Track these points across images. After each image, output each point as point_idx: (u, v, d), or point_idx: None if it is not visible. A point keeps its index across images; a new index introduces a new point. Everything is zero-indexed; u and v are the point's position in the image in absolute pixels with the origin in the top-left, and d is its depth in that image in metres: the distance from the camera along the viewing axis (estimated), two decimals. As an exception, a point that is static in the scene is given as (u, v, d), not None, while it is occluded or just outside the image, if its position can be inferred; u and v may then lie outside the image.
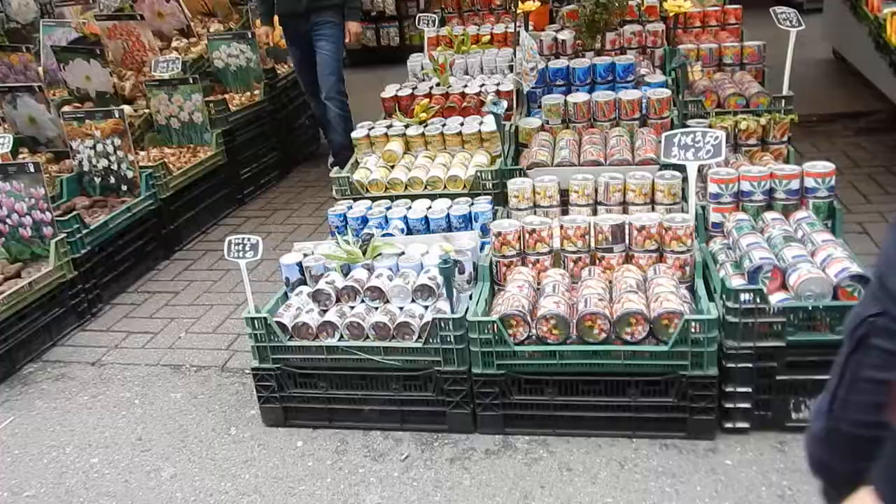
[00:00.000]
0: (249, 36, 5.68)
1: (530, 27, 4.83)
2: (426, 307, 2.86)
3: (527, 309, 2.65)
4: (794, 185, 2.94)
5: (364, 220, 3.45)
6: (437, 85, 4.31)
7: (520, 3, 4.11)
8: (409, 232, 3.40)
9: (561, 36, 4.58)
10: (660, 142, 3.16)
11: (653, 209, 3.21)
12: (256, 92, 5.73)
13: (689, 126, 3.71)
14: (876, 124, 5.78)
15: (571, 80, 4.10)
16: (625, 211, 3.24)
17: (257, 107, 5.65)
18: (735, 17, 4.96)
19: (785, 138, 3.62)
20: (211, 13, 6.63)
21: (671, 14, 4.08)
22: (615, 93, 3.72)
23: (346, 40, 5.44)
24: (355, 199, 3.65)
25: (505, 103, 3.42)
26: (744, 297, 2.46)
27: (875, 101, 5.90)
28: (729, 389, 2.53)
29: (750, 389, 2.52)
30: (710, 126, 3.66)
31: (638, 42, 4.52)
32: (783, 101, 3.78)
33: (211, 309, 4.11)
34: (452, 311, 2.70)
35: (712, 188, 2.99)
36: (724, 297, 2.51)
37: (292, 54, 5.69)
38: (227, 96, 5.63)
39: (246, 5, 6.59)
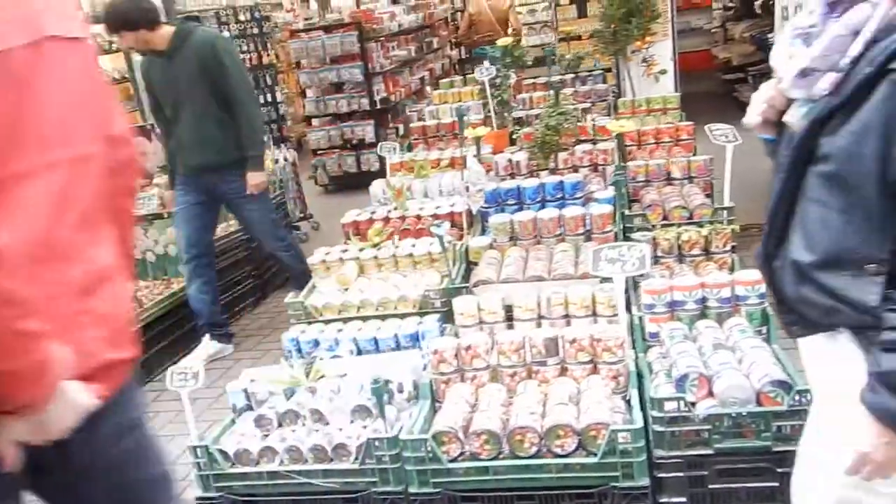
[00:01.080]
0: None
1: (489, 150, 5.06)
2: (364, 427, 2.86)
3: (459, 425, 2.65)
4: (726, 293, 2.99)
5: (316, 343, 3.50)
6: (395, 209, 4.48)
7: (470, 127, 4.33)
8: (359, 352, 3.45)
9: (515, 157, 4.79)
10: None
11: (595, 321, 3.26)
12: (232, 221, 5.93)
13: (633, 240, 3.83)
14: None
15: (522, 199, 4.25)
16: (568, 324, 3.29)
17: (233, 236, 5.84)
18: (687, 133, 5.18)
19: (728, 247, 3.71)
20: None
21: (615, 133, 4.28)
22: (559, 210, 3.85)
23: (247, 192, 4.85)
24: (309, 323, 3.72)
25: (447, 225, 3.54)
26: (669, 405, 2.46)
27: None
28: (663, 500, 2.48)
29: (685, 499, 2.47)
30: (655, 239, 3.77)
31: (590, 160, 4.72)
32: (724, 211, 3.90)
33: (173, 440, 4.09)
34: (386, 431, 2.70)
35: (646, 299, 3.05)
36: (650, 406, 2.51)
37: (181, 202, 4.88)
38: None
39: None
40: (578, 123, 5.05)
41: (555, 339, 2.88)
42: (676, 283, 3.04)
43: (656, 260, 3.80)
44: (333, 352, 3.40)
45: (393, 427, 2.74)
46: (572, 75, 6.66)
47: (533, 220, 3.82)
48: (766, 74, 8.00)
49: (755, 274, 3.00)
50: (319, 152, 9.36)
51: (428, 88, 7.06)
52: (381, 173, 9.27)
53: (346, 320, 3.68)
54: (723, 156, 4.02)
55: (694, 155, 5.05)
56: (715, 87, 11.91)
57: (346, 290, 3.85)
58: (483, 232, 4.26)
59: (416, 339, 3.41)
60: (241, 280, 5.96)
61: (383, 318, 3.62)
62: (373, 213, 4.51)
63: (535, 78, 6.81)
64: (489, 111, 5.41)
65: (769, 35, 8.00)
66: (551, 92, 4.81)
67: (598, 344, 2.80)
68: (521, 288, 3.41)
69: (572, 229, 3.77)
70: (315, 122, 9.43)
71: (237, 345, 5.33)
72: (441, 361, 2.95)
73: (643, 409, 2.62)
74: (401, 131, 9.76)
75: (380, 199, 4.89)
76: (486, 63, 5.61)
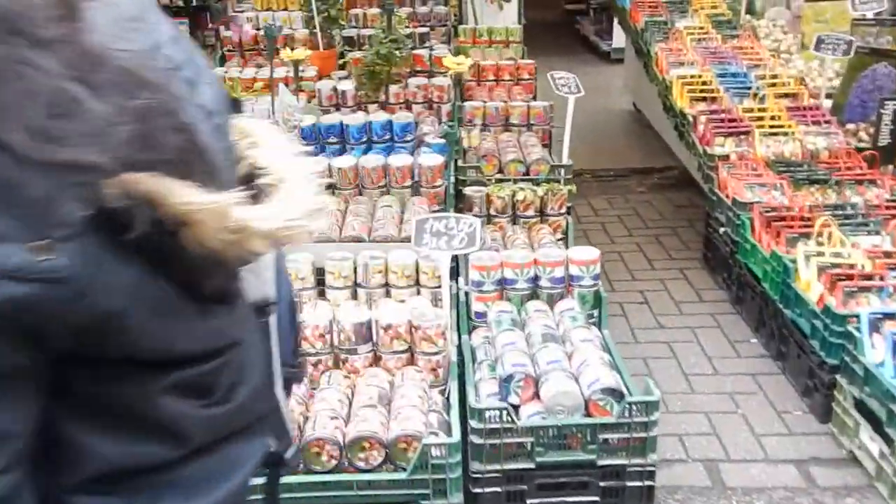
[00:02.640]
0: None
1: (313, 72, 4.43)
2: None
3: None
4: (559, 272, 2.71)
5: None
6: (196, 138, 3.78)
7: (287, 49, 3.69)
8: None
9: (341, 86, 4.21)
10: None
11: (418, 292, 2.89)
12: None
13: (465, 193, 3.46)
14: (666, 181, 5.91)
15: (346, 139, 3.72)
16: (387, 294, 2.89)
17: None
18: (528, 73, 4.83)
19: (564, 209, 3.45)
20: None
21: (451, 71, 3.82)
22: (385, 157, 3.38)
23: None
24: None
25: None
26: (490, 414, 2.15)
27: (667, 158, 6.05)
28: (477, 519, 2.21)
29: (500, 518, 2.21)
30: (489, 196, 3.43)
31: (424, 96, 4.24)
32: (562, 170, 3.62)
33: None
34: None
35: (474, 275, 2.70)
36: (470, 415, 2.18)
37: None
38: None
39: None
40: (414, 52, 4.53)
41: (367, 324, 2.46)
42: (508, 258, 2.70)
43: (489, 219, 3.48)
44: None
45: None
46: (412, -8, 6.07)
47: (354, 168, 3.32)
48: (607, 9, 7.74)
49: (590, 252, 2.74)
50: (123, 49, 8.11)
51: (246, -7, 6.17)
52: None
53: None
54: (563, 103, 3.72)
55: (535, 98, 4.75)
56: (556, 17, 11.73)
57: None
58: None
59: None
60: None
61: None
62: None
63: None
64: (314, 27, 4.74)
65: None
66: (387, 12, 4.23)
67: (417, 332, 2.43)
68: (335, 250, 2.95)
69: (399, 181, 3.32)
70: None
71: None
72: (229, 346, 2.44)
73: (462, 412, 2.29)
74: (221, 33, 8.73)
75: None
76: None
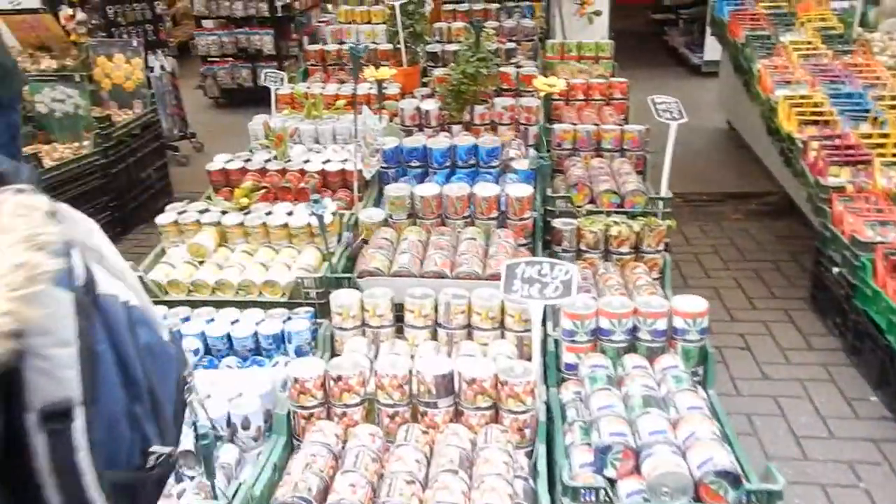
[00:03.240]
0: (78, 78, 4.91)
1: (396, 88, 4.27)
2: (191, 477, 2.19)
3: (313, 493, 2.02)
4: (662, 324, 2.44)
5: (151, 336, 2.76)
6: (275, 158, 3.68)
7: (371, 67, 3.54)
8: (207, 351, 2.74)
9: (425, 105, 4.04)
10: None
11: (502, 335, 2.68)
12: (86, 143, 4.95)
13: (554, 226, 3.22)
14: (766, 207, 5.52)
15: (429, 162, 3.55)
16: (469, 336, 2.69)
17: (84, 160, 4.86)
18: (621, 92, 4.56)
19: (661, 247, 3.17)
20: (45, 47, 5.80)
21: (542, 93, 3.59)
22: (471, 186, 3.17)
23: None
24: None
25: (329, 205, 2.80)
26: (586, 493, 1.91)
27: (766, 182, 5.65)
28: None
29: None
30: (580, 229, 3.18)
31: (511, 117, 4.03)
32: (661, 202, 3.33)
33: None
34: (214, 497, 2.04)
35: (566, 323, 2.46)
36: (562, 492, 1.95)
37: None
38: (48, 147, 4.83)
39: (85, 41, 5.80)
40: (500, 69, 4.32)
41: (449, 377, 2.26)
42: (605, 306, 2.45)
43: (578, 254, 3.24)
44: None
45: (225, 488, 2.08)
46: (497, 5, 5.86)
47: (438, 198, 3.13)
48: (699, 19, 7.35)
49: (697, 303, 2.46)
50: (210, 60, 8.22)
51: (329, 5, 6.08)
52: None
53: (195, 304, 2.94)
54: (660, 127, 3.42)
55: (626, 119, 4.47)
56: (641, 27, 11.30)
57: (201, 262, 3.09)
58: (379, 198, 3.54)
59: (280, 342, 2.73)
60: (94, 213, 5.02)
61: (243, 306, 2.91)
62: (247, 160, 3.70)
63: (455, 4, 5.96)
64: (398, 42, 4.59)
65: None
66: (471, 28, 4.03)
67: (504, 388, 2.21)
68: (416, 287, 2.76)
69: (485, 212, 3.11)
70: (206, 24, 8.23)
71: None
72: (302, 393, 2.29)
73: (550, 477, 2.07)
74: (304, 43, 8.74)
75: (259, 139, 4.06)
76: (401, -18, 4.75)
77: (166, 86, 6.49)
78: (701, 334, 2.43)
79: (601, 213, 3.33)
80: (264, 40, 8.00)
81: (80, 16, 7.32)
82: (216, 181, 3.63)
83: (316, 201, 2.70)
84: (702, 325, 2.42)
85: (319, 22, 9.12)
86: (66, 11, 6.12)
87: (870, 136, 4.16)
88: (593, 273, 3.10)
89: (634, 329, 2.47)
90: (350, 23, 5.93)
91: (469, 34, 3.95)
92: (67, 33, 5.98)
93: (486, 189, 3.12)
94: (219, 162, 3.65)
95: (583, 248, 3.21)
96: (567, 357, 2.49)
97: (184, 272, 3.00)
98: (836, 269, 3.60)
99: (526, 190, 3.10)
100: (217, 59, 8.23)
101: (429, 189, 3.14)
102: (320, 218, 2.74)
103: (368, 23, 5.86)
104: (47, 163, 4.62)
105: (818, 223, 3.88)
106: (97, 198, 5.03)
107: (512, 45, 5.08)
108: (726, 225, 5.21)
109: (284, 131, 3.65)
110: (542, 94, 3.59)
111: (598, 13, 5.60)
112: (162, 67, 6.39)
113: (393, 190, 3.17)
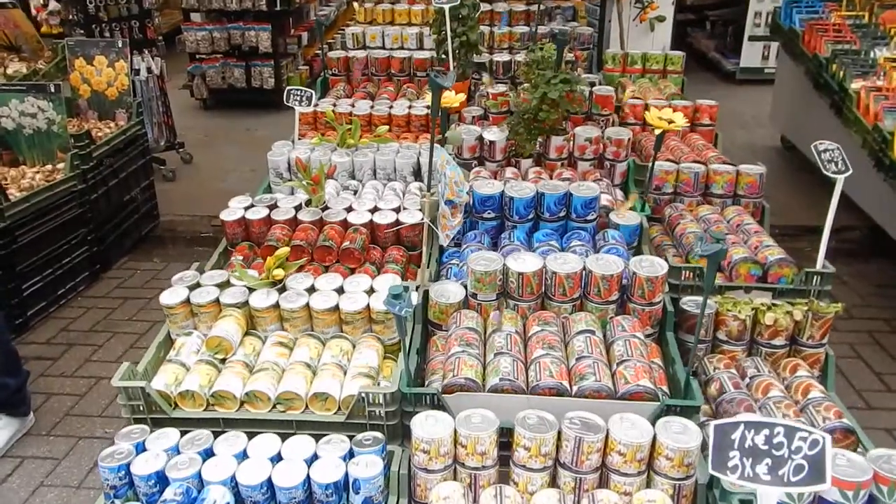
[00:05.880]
0: (53, 89, 4.04)
1: (453, 125, 3.46)
2: None
3: None
4: None
5: (161, 479, 1.97)
6: (308, 204, 2.88)
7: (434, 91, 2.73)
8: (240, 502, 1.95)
9: (489, 135, 3.26)
10: (651, 364, 1.88)
11: (648, 483, 1.94)
12: (60, 165, 4.10)
13: (684, 308, 2.47)
14: (848, 245, 4.83)
15: (508, 214, 2.78)
16: (602, 481, 1.95)
17: (58, 188, 4.01)
18: (710, 117, 3.82)
19: (825, 340, 2.44)
20: (13, 47, 4.90)
21: (656, 130, 2.83)
22: (584, 256, 2.41)
23: None
24: (153, 423, 2.15)
25: (413, 299, 2.00)
26: None
27: (844, 213, 4.95)
28: None
29: None
30: (718, 314, 2.44)
31: (594, 151, 3.26)
32: (817, 277, 2.60)
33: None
34: None
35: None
36: None
37: None
38: (15, 172, 3.97)
39: (64, 39, 4.91)
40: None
41: None
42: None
43: (713, 346, 2.50)
44: (196, 502, 1.89)
45: None
46: (536, 6, 5.07)
47: (540, 274, 2.36)
48: (732, 22, 6.56)
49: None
50: (199, 57, 7.34)
51: (355, 4, 5.26)
52: (277, 94, 7.38)
53: (217, 427, 2.15)
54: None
55: (715, 145, 3.74)
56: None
57: (223, 360, 2.29)
58: (440, 260, 2.75)
59: (340, 490, 1.95)
60: (70, 249, 4.18)
61: (282, 425, 2.13)
62: (272, 206, 2.89)
63: (490, 4, 5.16)
64: (444, 52, 3.80)
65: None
66: (531, 34, 3.27)
67: None
68: (527, 409, 2.01)
69: (605, 294, 2.34)
70: (195, 17, 7.33)
71: (51, 361, 3.63)
72: None
73: None
74: (303, 41, 7.89)
75: (282, 173, 3.25)
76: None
77: (153, 91, 5.62)
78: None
79: (737, 288, 2.59)
80: (260, 37, 7.13)
81: (53, 5, 6.42)
82: (233, 235, 2.82)
83: (396, 296, 1.91)
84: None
85: (318, 15, 8.29)
86: (37, 1, 5.23)
87: None
88: (740, 374, 2.36)
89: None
90: (369, 22, 5.12)
91: (546, 48, 3.17)
92: (39, 26, 5.07)
93: (607, 265, 2.35)
94: (236, 209, 2.84)
95: (721, 336, 2.48)
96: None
97: (201, 377, 2.20)
98: None
99: (660, 267, 2.33)
100: (206, 57, 7.35)
101: (528, 264, 2.36)
102: (400, 320, 1.95)
103: (390, 23, 5.06)
104: (13, 194, 3.76)
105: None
106: (74, 231, 4.19)
107: (569, 56, 4.31)
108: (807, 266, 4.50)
109: (322, 170, 2.84)
110: (655, 129, 2.83)
111: (661, 18, 4.86)
112: (149, 70, 5.52)
113: (478, 263, 2.38)
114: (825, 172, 2.51)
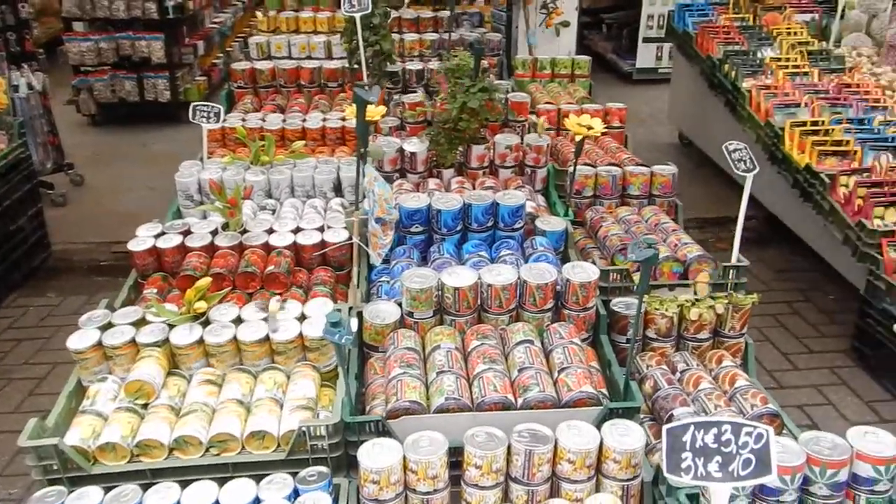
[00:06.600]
0: (-77, 111, 3.69)
1: (371, 137, 3.38)
2: None
3: None
4: (842, 475, 1.79)
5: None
6: (225, 228, 2.74)
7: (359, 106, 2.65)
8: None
9: (410, 147, 3.21)
10: (593, 369, 1.89)
11: (597, 488, 1.95)
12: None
13: (615, 310, 2.50)
14: (749, 234, 5.05)
15: (436, 227, 2.73)
16: (553, 491, 1.94)
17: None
18: (619, 120, 3.92)
19: (744, 329, 2.53)
20: None
21: (575, 136, 2.86)
22: (516, 269, 2.39)
23: None
24: (70, 481, 1.97)
25: (354, 326, 1.93)
26: None
27: (736, 202, 5.20)
28: None
29: None
30: (647, 313, 2.48)
31: (515, 158, 3.27)
32: (732, 271, 2.70)
33: None
34: None
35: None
36: None
37: None
38: None
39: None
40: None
41: None
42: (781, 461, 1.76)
43: (644, 343, 2.55)
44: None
45: None
46: (445, 13, 5.06)
47: (475, 288, 2.32)
48: (626, 25, 6.84)
49: (889, 442, 1.82)
50: (84, 70, 6.91)
51: (258, 13, 5.06)
52: (173, 107, 7.03)
53: (145, 479, 1.99)
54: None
55: (625, 144, 3.83)
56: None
57: (145, 406, 2.13)
58: (370, 278, 2.67)
59: (288, 531, 1.85)
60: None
61: (219, 470, 2.00)
62: (185, 231, 2.73)
63: (395, 10, 5.11)
64: (356, 61, 3.72)
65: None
66: (441, 41, 3.24)
67: None
68: (475, 427, 1.98)
69: (540, 302, 2.34)
70: (77, 26, 6.89)
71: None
72: None
73: None
74: (199, 50, 7.59)
75: (191, 195, 3.08)
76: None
77: (36, 108, 5.24)
78: (892, 482, 1.80)
79: (661, 286, 2.66)
80: (153, 46, 6.79)
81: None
82: (143, 266, 2.65)
83: (335, 324, 1.82)
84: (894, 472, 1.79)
85: (213, 23, 8.00)
86: None
87: (894, 168, 3.74)
88: (670, 369, 2.42)
89: (806, 481, 1.79)
90: (272, 31, 4.96)
91: (461, 56, 3.16)
92: None
93: (540, 273, 2.35)
94: (146, 237, 2.66)
95: (650, 335, 2.52)
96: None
97: (122, 427, 2.03)
98: (898, 328, 3.12)
99: (592, 272, 2.35)
100: (93, 69, 6.93)
101: (463, 278, 2.33)
102: (340, 349, 1.87)
103: (296, 31, 4.92)
104: None
105: (869, 272, 3.39)
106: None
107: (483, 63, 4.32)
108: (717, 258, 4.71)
109: (238, 191, 2.71)
110: (574, 136, 2.86)
111: (566, 24, 4.95)
112: (29, 86, 5.15)
113: (413, 280, 2.32)
114: (736, 171, 2.61)
